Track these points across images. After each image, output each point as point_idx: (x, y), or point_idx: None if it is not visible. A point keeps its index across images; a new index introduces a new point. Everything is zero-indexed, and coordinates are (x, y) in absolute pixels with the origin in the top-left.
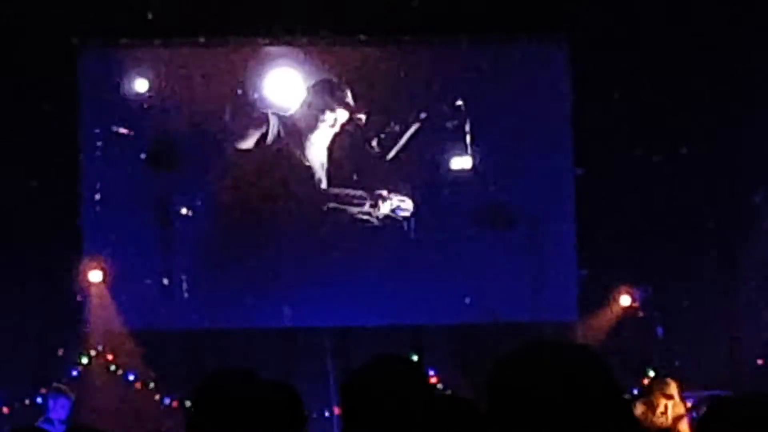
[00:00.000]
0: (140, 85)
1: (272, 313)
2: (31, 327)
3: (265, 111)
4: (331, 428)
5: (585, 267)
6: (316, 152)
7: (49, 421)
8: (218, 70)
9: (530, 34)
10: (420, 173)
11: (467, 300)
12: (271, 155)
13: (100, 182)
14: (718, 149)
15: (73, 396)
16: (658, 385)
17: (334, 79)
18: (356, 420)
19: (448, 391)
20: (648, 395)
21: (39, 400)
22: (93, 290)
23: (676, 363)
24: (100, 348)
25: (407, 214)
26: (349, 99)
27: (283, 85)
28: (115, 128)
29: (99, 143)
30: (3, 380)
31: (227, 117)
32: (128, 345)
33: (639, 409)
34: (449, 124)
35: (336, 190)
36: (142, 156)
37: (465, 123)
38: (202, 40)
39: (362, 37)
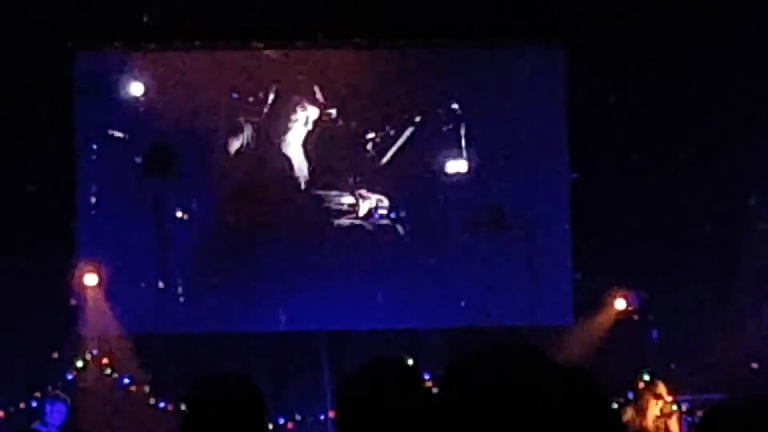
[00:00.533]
0: (135, 89)
1: (267, 316)
2: (26, 330)
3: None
4: None
5: (580, 271)
6: (294, 152)
7: (45, 425)
8: (213, 74)
9: (526, 39)
10: (415, 177)
11: (462, 304)
12: (255, 159)
13: (95, 186)
14: (712, 154)
15: (69, 402)
16: (648, 389)
17: (299, 77)
18: (352, 423)
19: None
20: (638, 400)
21: (34, 404)
22: (88, 294)
23: (672, 366)
24: (95, 352)
25: (384, 212)
26: (319, 96)
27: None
28: (110, 132)
29: (94, 147)
30: None
31: (222, 121)
32: (123, 349)
33: (628, 413)
34: (445, 128)
35: (319, 191)
36: (138, 160)
37: (460, 127)
38: (197, 43)
39: (358, 40)
